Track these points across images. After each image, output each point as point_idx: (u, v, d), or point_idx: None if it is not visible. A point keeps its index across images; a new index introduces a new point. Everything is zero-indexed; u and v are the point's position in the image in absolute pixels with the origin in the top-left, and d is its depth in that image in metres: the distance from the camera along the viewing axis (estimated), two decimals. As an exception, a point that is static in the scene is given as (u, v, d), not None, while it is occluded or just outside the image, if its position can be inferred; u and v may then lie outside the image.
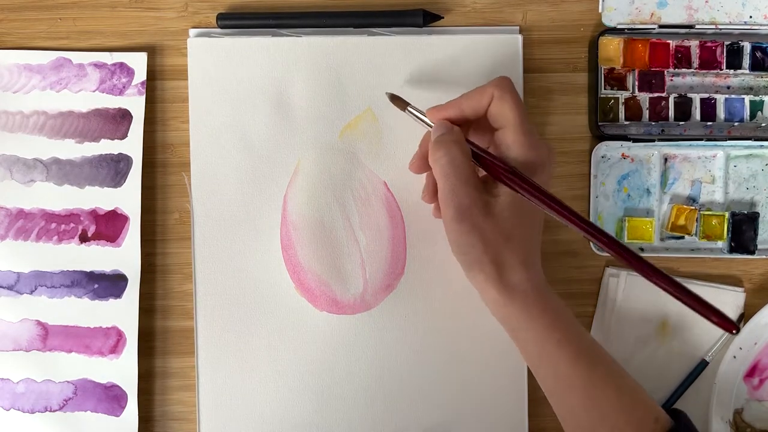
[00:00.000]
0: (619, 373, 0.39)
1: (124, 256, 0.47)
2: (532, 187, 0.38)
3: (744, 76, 0.48)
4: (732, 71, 0.48)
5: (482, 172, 0.41)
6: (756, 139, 0.47)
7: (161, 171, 0.48)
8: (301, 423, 0.46)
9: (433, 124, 0.42)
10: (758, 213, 0.47)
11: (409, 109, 0.43)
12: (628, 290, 0.46)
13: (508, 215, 0.39)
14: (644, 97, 0.48)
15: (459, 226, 0.39)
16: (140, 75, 0.47)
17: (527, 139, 0.39)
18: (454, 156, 0.39)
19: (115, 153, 0.47)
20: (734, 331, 0.34)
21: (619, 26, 0.47)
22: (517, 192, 0.39)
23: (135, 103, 0.47)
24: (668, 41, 0.48)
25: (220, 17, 0.47)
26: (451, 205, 0.39)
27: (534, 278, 0.39)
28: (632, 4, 0.47)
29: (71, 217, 0.47)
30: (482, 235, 0.38)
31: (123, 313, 0.46)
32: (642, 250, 0.48)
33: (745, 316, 0.47)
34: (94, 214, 0.47)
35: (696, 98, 0.47)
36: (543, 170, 0.40)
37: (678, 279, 0.47)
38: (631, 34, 0.48)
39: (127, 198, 0.47)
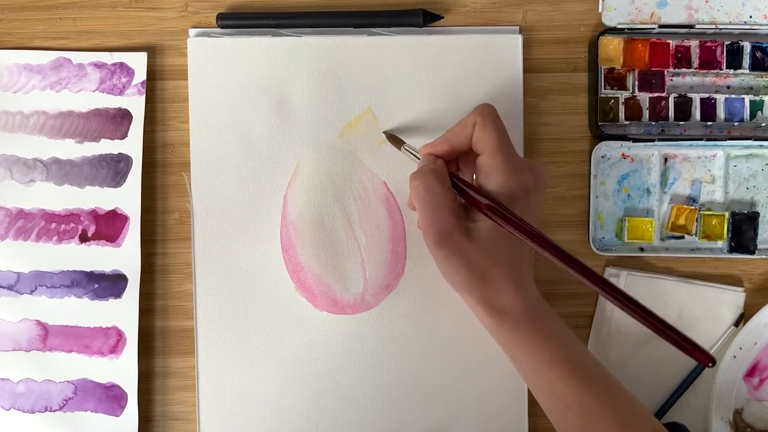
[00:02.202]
0: (617, 389, 0.39)
1: (124, 256, 0.47)
2: (511, 221, 0.37)
3: (744, 76, 0.48)
4: (732, 71, 0.48)
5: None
6: (756, 139, 0.47)
7: (161, 171, 0.48)
8: (301, 423, 0.46)
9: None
10: (758, 213, 0.47)
11: (405, 147, 0.44)
12: (629, 290, 0.46)
13: (492, 239, 0.39)
14: (644, 97, 0.48)
15: (439, 251, 0.39)
16: (140, 75, 0.47)
17: (507, 164, 0.39)
18: (430, 184, 0.39)
19: (115, 153, 0.47)
20: (710, 364, 0.33)
21: (619, 26, 0.47)
22: (499, 225, 0.38)
23: (135, 103, 0.47)
24: (668, 41, 0.48)
25: (220, 17, 0.47)
26: (430, 231, 0.39)
27: (525, 299, 0.39)
28: (632, 4, 0.47)
29: (71, 217, 0.47)
30: (466, 258, 0.38)
31: (123, 313, 0.46)
32: (642, 249, 0.48)
33: (745, 316, 0.47)
34: (94, 214, 0.47)
35: (696, 98, 0.47)
36: (526, 196, 0.39)
37: (678, 279, 0.47)
38: (631, 34, 0.48)
39: (127, 198, 0.47)
